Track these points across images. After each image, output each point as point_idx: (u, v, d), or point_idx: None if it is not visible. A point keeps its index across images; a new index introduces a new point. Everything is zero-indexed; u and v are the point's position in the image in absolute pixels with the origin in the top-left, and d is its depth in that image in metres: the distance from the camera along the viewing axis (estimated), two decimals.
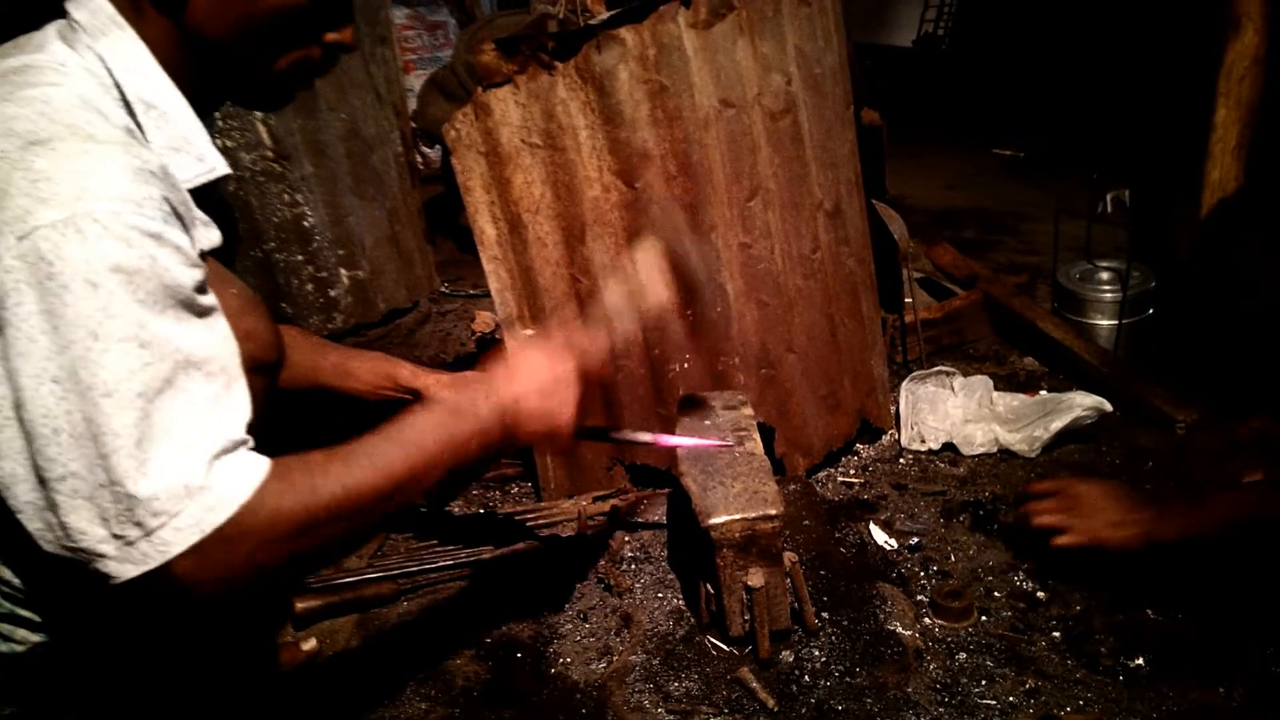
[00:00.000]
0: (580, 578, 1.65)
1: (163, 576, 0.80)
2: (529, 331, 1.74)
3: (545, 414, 1.11)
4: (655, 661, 1.41)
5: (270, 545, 0.84)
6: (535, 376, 1.11)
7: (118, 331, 0.78)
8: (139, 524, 0.78)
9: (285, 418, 1.09)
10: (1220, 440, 1.78)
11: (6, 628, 0.92)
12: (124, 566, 0.79)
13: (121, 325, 0.78)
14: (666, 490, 1.83)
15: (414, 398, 1.45)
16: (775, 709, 1.30)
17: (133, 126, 0.90)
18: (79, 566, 0.79)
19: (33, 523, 0.79)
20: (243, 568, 0.83)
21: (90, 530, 0.78)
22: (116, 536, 0.78)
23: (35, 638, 0.94)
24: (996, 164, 5.24)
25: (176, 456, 0.80)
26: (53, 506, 0.78)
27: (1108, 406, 2.02)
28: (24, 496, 0.78)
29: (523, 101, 1.60)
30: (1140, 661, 1.35)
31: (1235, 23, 2.18)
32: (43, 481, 0.77)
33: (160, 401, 0.80)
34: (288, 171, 2.76)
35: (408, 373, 1.47)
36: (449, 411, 1.03)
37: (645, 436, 1.39)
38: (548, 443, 1.18)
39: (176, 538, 0.79)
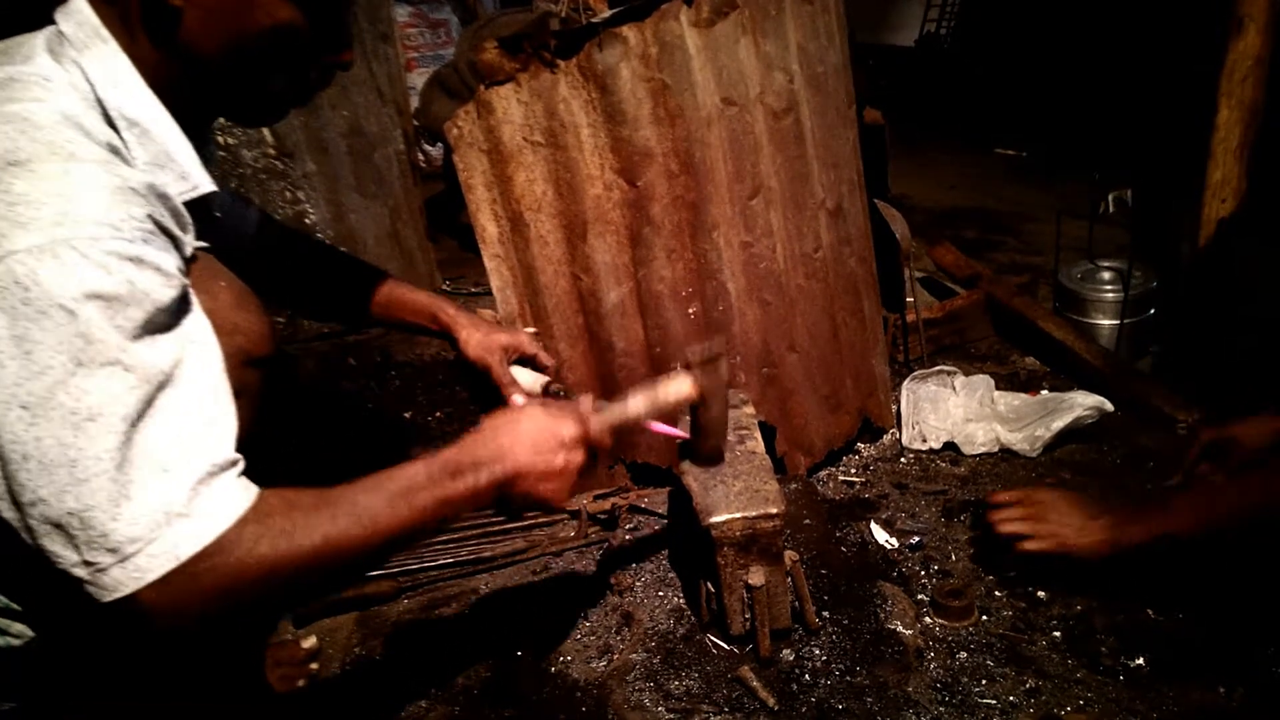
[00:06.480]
0: (581, 576, 1.65)
1: (132, 605, 0.78)
2: (532, 330, 1.74)
3: (543, 495, 1.07)
4: (656, 660, 1.41)
5: (238, 586, 0.82)
6: (542, 453, 1.05)
7: (100, 357, 0.77)
8: (113, 550, 0.76)
9: (292, 418, 1.08)
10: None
11: (3, 622, 0.92)
12: (99, 591, 0.78)
13: (103, 350, 0.77)
14: (668, 488, 1.83)
15: (448, 337, 1.52)
16: (776, 708, 1.30)
17: (117, 143, 0.89)
18: (74, 585, 0.78)
19: (22, 537, 0.78)
20: (206, 605, 0.81)
21: (63, 554, 0.77)
22: (87, 563, 0.77)
23: (32, 632, 0.94)
24: (999, 164, 5.23)
25: (159, 481, 0.79)
26: (28, 529, 0.77)
27: (1109, 406, 2.02)
28: (5, 513, 0.78)
29: (525, 99, 1.60)
30: (1141, 661, 1.35)
31: (1238, 23, 2.18)
32: (18, 505, 0.77)
33: (143, 425, 0.79)
34: (290, 169, 2.76)
35: (446, 316, 1.52)
36: (446, 470, 0.98)
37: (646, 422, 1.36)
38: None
39: (150, 564, 0.77)
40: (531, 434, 1.06)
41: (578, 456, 1.10)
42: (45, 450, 0.75)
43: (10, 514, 0.78)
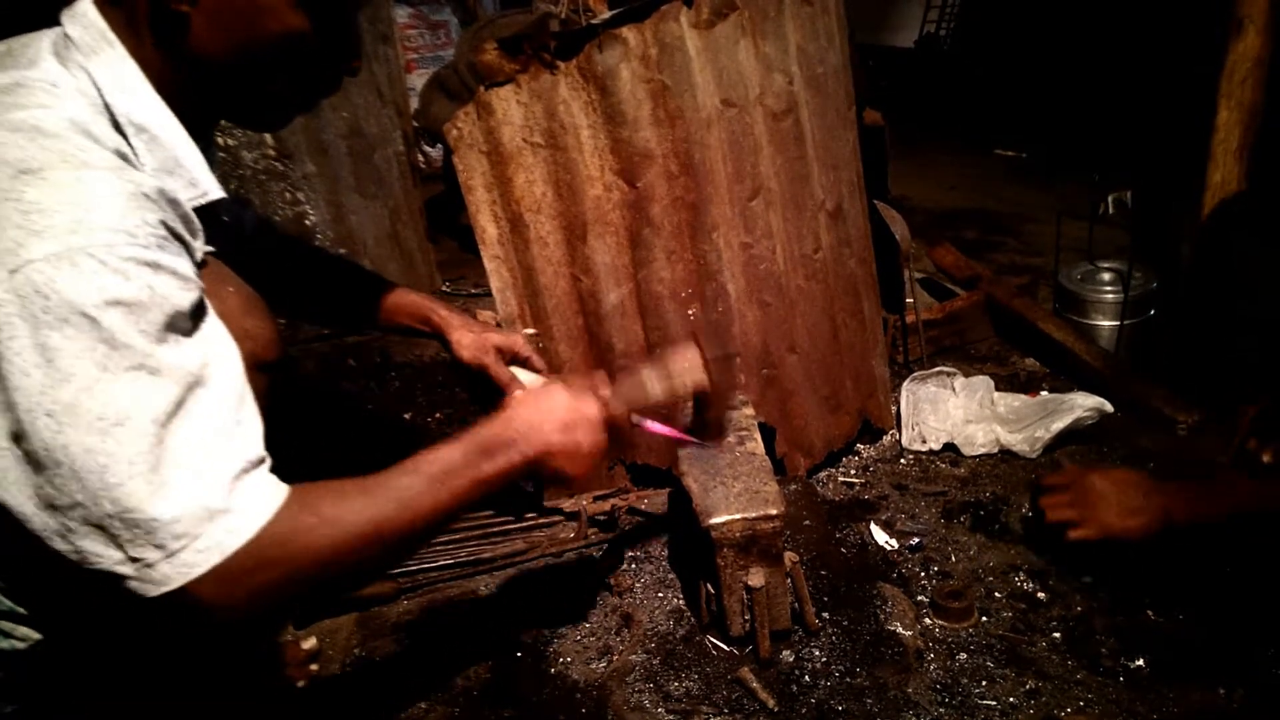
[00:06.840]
0: (580, 577, 1.65)
1: (185, 599, 0.80)
2: (531, 331, 1.74)
3: (568, 472, 1.09)
4: (655, 661, 1.41)
5: (294, 573, 0.84)
6: (569, 431, 1.08)
7: (124, 362, 0.77)
8: (160, 546, 0.78)
9: (292, 419, 1.09)
10: (1221, 441, 1.78)
11: (7, 625, 0.92)
12: (145, 586, 0.79)
13: (127, 356, 0.77)
14: (668, 489, 1.83)
15: (441, 339, 1.52)
16: (775, 709, 1.30)
17: (125, 149, 0.89)
18: (113, 582, 0.79)
19: (55, 544, 0.78)
20: (265, 593, 0.83)
21: (106, 553, 0.78)
22: (134, 559, 0.78)
23: (36, 635, 0.94)
24: (998, 165, 5.23)
25: (196, 479, 0.80)
26: (68, 532, 0.78)
27: (1109, 407, 2.02)
28: (35, 523, 0.78)
29: (525, 101, 1.60)
30: (1141, 663, 1.35)
31: (1237, 25, 2.18)
32: (55, 509, 0.77)
33: (173, 426, 0.80)
34: (290, 170, 2.77)
35: (438, 318, 1.53)
36: (480, 450, 1.01)
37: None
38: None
39: (198, 559, 0.79)
40: (559, 413, 1.09)
41: (602, 439, 1.13)
42: (74, 456, 0.76)
43: (44, 519, 0.78)
